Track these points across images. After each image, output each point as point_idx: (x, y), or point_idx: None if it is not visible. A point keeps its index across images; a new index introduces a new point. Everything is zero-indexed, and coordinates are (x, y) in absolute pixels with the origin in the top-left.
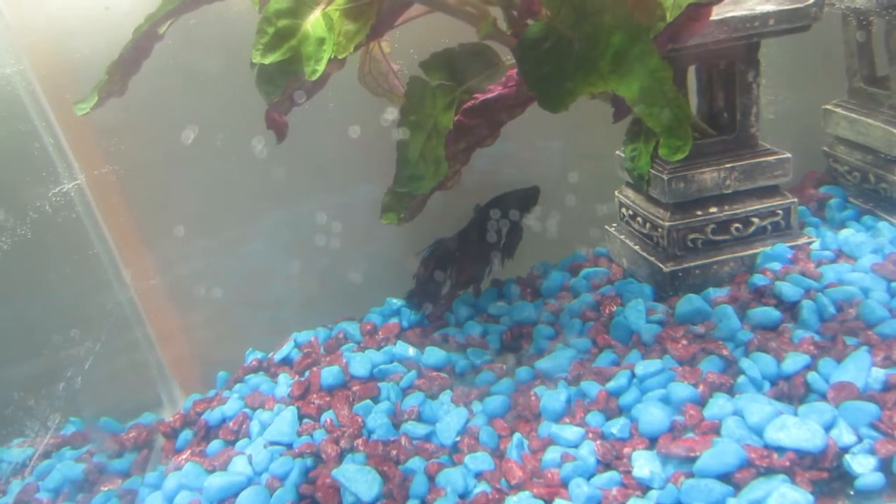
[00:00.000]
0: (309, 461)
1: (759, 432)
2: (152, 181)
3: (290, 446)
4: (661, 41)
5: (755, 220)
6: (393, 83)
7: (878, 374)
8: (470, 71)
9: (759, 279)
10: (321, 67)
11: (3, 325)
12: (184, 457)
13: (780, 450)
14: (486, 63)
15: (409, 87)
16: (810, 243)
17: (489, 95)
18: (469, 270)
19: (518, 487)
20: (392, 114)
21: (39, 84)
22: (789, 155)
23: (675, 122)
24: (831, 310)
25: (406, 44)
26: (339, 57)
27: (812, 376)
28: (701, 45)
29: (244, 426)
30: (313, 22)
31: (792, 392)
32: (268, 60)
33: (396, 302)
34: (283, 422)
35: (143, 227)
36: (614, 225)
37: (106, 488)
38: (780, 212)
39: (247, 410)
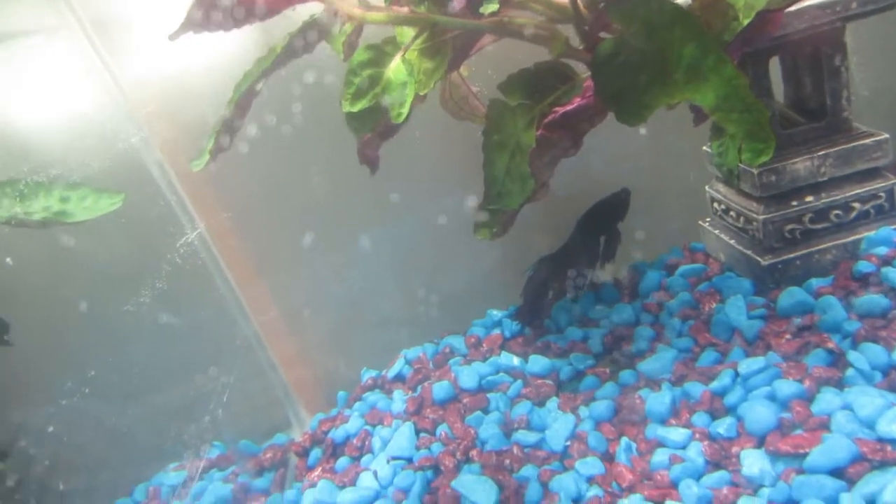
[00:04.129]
0: (429, 473)
1: (870, 425)
2: (262, 221)
3: (410, 460)
4: (733, 49)
5: (856, 205)
6: (474, 105)
7: None
8: (547, 88)
9: (864, 266)
10: (405, 111)
11: (158, 369)
12: (316, 474)
13: (894, 442)
14: (562, 79)
15: (489, 110)
16: None
17: (569, 108)
18: (572, 281)
19: (629, 490)
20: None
21: (159, 148)
22: (887, 136)
23: (756, 127)
24: None
25: (483, 65)
26: (421, 93)
27: None
28: (780, 37)
29: (367, 442)
30: (394, 69)
31: None
32: (356, 109)
33: (497, 313)
34: (402, 437)
35: (258, 263)
36: (708, 220)
37: None
38: (882, 194)
39: (368, 427)
